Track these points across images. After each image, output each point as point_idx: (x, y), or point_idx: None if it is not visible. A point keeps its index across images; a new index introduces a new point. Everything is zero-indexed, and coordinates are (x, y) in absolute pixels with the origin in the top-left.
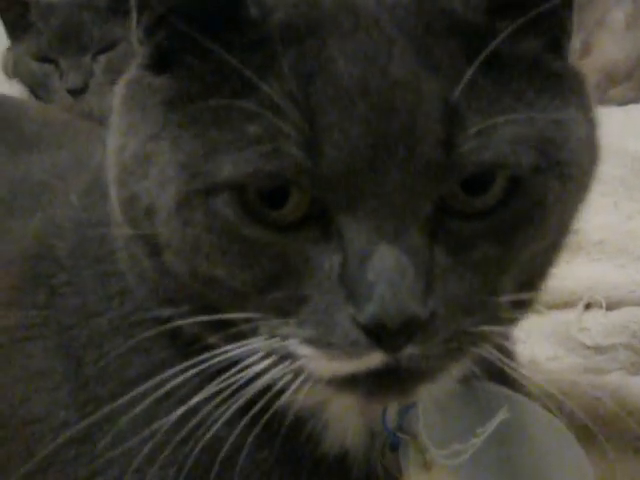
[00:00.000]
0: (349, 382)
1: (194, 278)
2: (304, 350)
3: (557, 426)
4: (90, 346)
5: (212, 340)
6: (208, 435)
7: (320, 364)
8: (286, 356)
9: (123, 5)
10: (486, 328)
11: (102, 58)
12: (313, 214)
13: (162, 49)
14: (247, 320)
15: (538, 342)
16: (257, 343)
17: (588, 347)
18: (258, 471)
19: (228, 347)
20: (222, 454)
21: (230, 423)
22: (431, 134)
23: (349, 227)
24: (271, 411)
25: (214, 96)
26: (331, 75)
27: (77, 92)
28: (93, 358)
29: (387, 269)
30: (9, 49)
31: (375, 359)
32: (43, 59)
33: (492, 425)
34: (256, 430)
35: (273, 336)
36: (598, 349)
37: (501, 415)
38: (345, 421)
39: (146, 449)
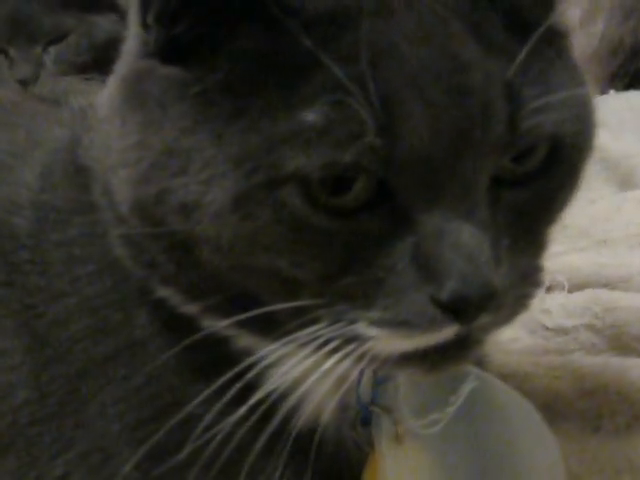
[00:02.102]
0: (414, 356)
1: (237, 271)
2: (373, 331)
3: (521, 403)
4: (55, 325)
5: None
6: (178, 413)
7: (390, 343)
8: (352, 339)
9: None
10: (534, 291)
11: (53, 49)
12: (378, 198)
13: (185, 37)
14: (299, 310)
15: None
16: (321, 330)
17: (549, 328)
18: (232, 450)
19: (297, 334)
20: (197, 431)
21: (207, 404)
22: (499, 114)
23: (421, 208)
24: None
25: (262, 86)
26: (398, 58)
27: (27, 83)
28: (58, 337)
29: (464, 245)
30: None
31: (449, 332)
32: None
33: (463, 393)
34: (231, 410)
35: (336, 321)
36: (559, 330)
37: (469, 384)
38: (319, 396)
39: (115, 428)
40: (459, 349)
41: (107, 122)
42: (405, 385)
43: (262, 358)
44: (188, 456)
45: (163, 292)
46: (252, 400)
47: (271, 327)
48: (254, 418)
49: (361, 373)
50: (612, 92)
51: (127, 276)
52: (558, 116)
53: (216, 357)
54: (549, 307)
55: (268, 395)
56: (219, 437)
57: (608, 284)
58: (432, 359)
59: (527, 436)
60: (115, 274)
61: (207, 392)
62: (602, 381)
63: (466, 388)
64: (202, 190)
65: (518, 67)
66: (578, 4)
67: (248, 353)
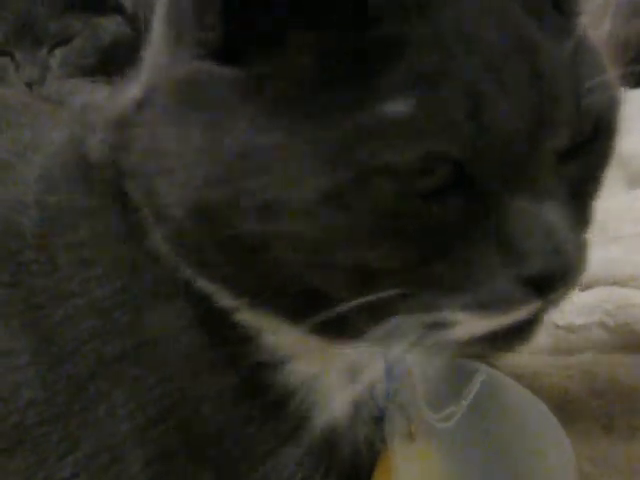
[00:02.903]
0: (487, 337)
1: (314, 268)
2: (458, 316)
3: (533, 402)
4: (63, 326)
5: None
6: (189, 412)
7: (473, 326)
8: (434, 327)
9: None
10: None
11: (58, 52)
12: (458, 182)
13: (250, 34)
14: (376, 304)
15: None
16: (403, 321)
17: (559, 326)
18: (243, 449)
19: (375, 329)
20: (209, 431)
21: (219, 402)
22: (568, 93)
23: (502, 190)
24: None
25: (340, 79)
26: (475, 43)
27: (33, 85)
28: (66, 338)
29: (545, 222)
30: None
31: (531, 309)
32: None
33: (475, 386)
34: (244, 407)
35: (417, 310)
36: (570, 328)
37: (480, 376)
38: (334, 391)
39: (124, 427)
40: (528, 327)
41: (153, 125)
42: (419, 380)
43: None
44: (199, 455)
45: (208, 289)
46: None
47: (339, 326)
48: (268, 416)
49: (374, 367)
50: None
51: (139, 277)
52: (603, 96)
53: (241, 353)
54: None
55: (284, 392)
56: (232, 437)
57: (618, 282)
58: (508, 337)
59: (540, 436)
60: (125, 276)
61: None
62: (614, 380)
63: (477, 381)
64: (286, 188)
65: (572, 46)
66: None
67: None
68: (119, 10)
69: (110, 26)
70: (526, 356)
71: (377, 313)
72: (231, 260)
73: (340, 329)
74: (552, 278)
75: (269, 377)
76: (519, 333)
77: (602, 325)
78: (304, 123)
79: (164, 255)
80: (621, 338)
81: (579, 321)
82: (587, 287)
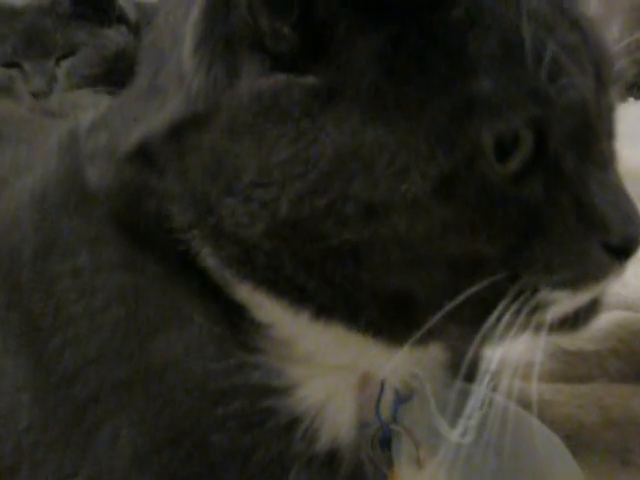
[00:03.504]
0: (567, 316)
1: (416, 267)
2: (556, 294)
3: (545, 432)
4: (63, 350)
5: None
6: (196, 439)
7: (569, 302)
8: (534, 309)
9: (85, 11)
10: None
11: (65, 63)
12: (538, 156)
13: (324, 38)
14: (477, 296)
15: (520, 345)
16: (507, 308)
17: (570, 352)
18: (250, 475)
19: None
20: (216, 459)
21: (227, 429)
22: (612, 58)
23: (576, 160)
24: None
25: (424, 65)
26: (536, 14)
27: (41, 96)
28: (66, 362)
29: (618, 189)
30: None
31: (615, 275)
32: (8, 64)
33: (477, 401)
34: (252, 434)
35: (518, 295)
36: (581, 355)
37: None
38: (341, 415)
39: (127, 453)
40: (598, 301)
41: (216, 146)
42: (429, 400)
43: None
44: None
45: (261, 314)
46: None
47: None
48: (276, 442)
49: (382, 388)
50: (631, 100)
51: (145, 305)
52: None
53: (251, 379)
54: None
55: (292, 418)
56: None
57: (632, 307)
58: (586, 314)
59: (553, 467)
60: (129, 303)
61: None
62: (630, 411)
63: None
64: (393, 184)
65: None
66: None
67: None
68: (123, 20)
69: (115, 36)
70: (535, 383)
71: (478, 309)
72: (316, 274)
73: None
74: (632, 242)
75: (278, 403)
76: (593, 307)
77: (615, 353)
78: (398, 113)
79: (212, 276)
80: (635, 367)
81: (590, 347)
82: None
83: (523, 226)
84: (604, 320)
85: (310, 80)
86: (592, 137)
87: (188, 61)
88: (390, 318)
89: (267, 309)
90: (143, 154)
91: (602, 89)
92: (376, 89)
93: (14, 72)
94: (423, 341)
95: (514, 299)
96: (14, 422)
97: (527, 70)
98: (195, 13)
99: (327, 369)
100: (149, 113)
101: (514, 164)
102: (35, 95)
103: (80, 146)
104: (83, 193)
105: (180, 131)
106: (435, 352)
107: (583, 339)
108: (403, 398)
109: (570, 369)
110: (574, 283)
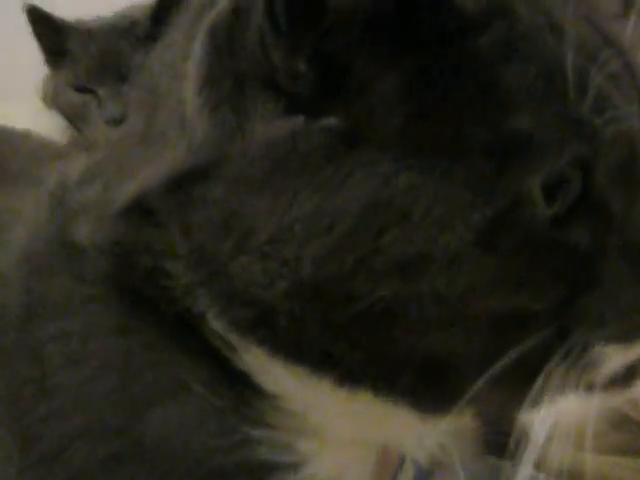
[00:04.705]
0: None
1: (455, 327)
2: (610, 349)
3: None
4: (48, 422)
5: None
6: None
7: (622, 357)
8: (585, 367)
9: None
10: None
11: None
12: (582, 197)
13: (342, 77)
14: (527, 357)
15: (586, 415)
16: (557, 370)
17: (634, 421)
18: None
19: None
20: None
21: None
22: None
23: (621, 197)
24: None
25: (454, 102)
26: (575, 39)
27: (116, 122)
28: (51, 435)
29: None
30: (49, 78)
31: None
32: (82, 89)
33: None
34: None
35: (568, 354)
36: None
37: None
38: None
39: None
40: None
41: (225, 200)
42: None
43: None
44: None
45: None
46: None
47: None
48: None
49: (401, 464)
50: None
51: (139, 375)
52: None
53: (256, 456)
54: (638, 397)
55: None
56: None
57: None
58: (634, 370)
59: None
60: (121, 373)
61: None
62: None
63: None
64: (432, 234)
65: None
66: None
67: None
68: None
69: None
70: (595, 456)
71: (524, 370)
72: (343, 337)
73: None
74: None
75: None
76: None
77: None
78: (432, 156)
79: (216, 341)
80: None
81: None
82: None
83: (571, 275)
84: None
85: (331, 122)
86: (638, 175)
87: (191, 103)
88: (426, 384)
89: (280, 377)
90: (140, 208)
91: None
92: (405, 129)
93: (87, 97)
94: (460, 409)
95: (564, 358)
96: None
97: (570, 103)
98: (198, 49)
99: (342, 443)
100: (146, 163)
101: (560, 207)
102: (109, 122)
103: (70, 199)
104: (74, 251)
105: (183, 183)
106: (466, 420)
107: None
108: (426, 474)
109: (634, 440)
110: (628, 336)
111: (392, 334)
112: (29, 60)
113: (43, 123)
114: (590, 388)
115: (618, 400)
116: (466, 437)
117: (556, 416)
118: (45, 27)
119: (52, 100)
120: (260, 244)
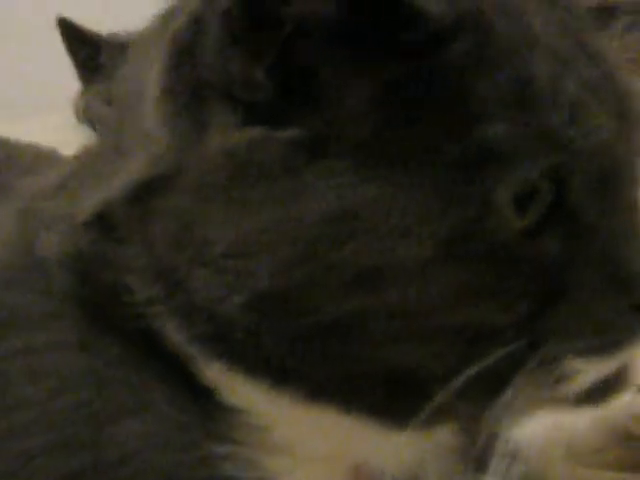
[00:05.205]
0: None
1: (414, 341)
2: (582, 362)
3: None
4: (8, 439)
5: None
6: None
7: (595, 371)
8: (557, 381)
9: None
10: None
11: None
12: (551, 210)
13: (303, 88)
14: (492, 370)
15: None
16: (526, 383)
17: (635, 437)
18: None
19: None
20: None
21: None
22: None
23: (597, 210)
24: None
25: (423, 112)
26: (551, 48)
27: None
28: (11, 451)
29: None
30: (81, 93)
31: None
32: None
33: None
34: None
35: (539, 365)
36: None
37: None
38: None
39: None
40: (627, 367)
41: (184, 212)
42: None
43: None
44: None
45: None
46: None
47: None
48: None
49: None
50: None
51: (103, 390)
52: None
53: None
54: (638, 412)
55: None
56: None
57: None
58: (609, 384)
59: None
60: (85, 388)
61: None
62: None
63: None
64: (396, 246)
65: None
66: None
67: None
68: None
69: None
70: (596, 471)
71: (492, 382)
72: (303, 352)
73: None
74: None
75: None
76: (622, 375)
77: None
78: (400, 166)
79: (179, 356)
80: None
81: None
82: None
83: (541, 287)
84: None
85: (291, 132)
86: (617, 184)
87: (152, 114)
88: (392, 397)
89: (242, 392)
90: (102, 222)
91: (629, 129)
92: (372, 139)
93: None
94: (430, 422)
95: (533, 370)
96: None
97: (544, 112)
98: (159, 60)
99: (311, 459)
100: (111, 176)
101: (530, 218)
102: None
103: (37, 213)
104: (39, 265)
105: (143, 195)
106: (444, 435)
107: None
108: None
109: (635, 456)
110: (601, 349)
111: (353, 348)
112: (62, 74)
113: (75, 137)
114: (562, 402)
115: (593, 414)
116: (446, 453)
117: (546, 431)
118: (78, 41)
119: (84, 114)
120: (216, 257)
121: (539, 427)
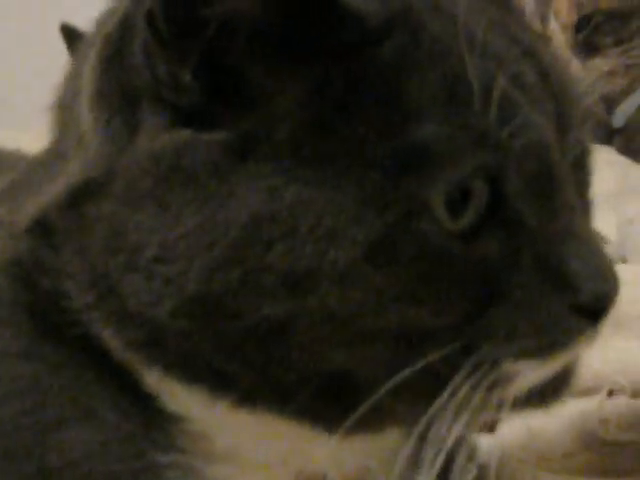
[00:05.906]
0: (543, 385)
1: (347, 344)
2: (521, 365)
3: None
4: None
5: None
6: None
7: (535, 374)
8: (495, 383)
9: None
10: None
11: None
12: (489, 212)
13: (230, 90)
14: (426, 371)
15: (556, 435)
16: (461, 386)
17: (607, 443)
18: None
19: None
20: None
21: None
22: (575, 94)
23: (537, 211)
24: None
25: (352, 114)
26: (488, 48)
27: None
28: None
29: (586, 240)
30: None
31: (587, 340)
32: None
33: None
34: None
35: (474, 370)
36: (617, 445)
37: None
38: None
39: None
40: (569, 370)
41: (115, 216)
42: None
43: None
44: None
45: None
46: None
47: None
48: None
49: None
50: None
51: (47, 397)
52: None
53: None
54: (609, 416)
55: None
56: None
57: None
58: (551, 387)
59: None
60: (28, 398)
61: None
62: None
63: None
64: (319, 250)
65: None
66: None
67: None
68: None
69: None
70: (566, 477)
71: (428, 385)
72: (234, 356)
73: (375, 417)
74: (605, 301)
75: None
76: (564, 378)
77: None
78: (324, 170)
79: (118, 363)
80: None
81: (625, 437)
82: (636, 395)
83: (477, 290)
84: None
85: (217, 136)
86: (555, 185)
87: (86, 118)
88: (326, 401)
89: (182, 399)
90: (40, 227)
91: (566, 129)
92: (297, 143)
93: None
94: (371, 427)
95: (470, 373)
96: None
97: (474, 111)
98: (91, 62)
99: (254, 466)
100: (52, 180)
101: (465, 220)
102: None
103: None
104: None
105: (77, 200)
106: (393, 441)
107: (619, 427)
108: None
109: (608, 461)
110: (540, 352)
111: (284, 352)
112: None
113: None
114: (502, 405)
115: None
116: (394, 459)
117: (515, 436)
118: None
119: None
120: (147, 262)
121: (508, 432)
